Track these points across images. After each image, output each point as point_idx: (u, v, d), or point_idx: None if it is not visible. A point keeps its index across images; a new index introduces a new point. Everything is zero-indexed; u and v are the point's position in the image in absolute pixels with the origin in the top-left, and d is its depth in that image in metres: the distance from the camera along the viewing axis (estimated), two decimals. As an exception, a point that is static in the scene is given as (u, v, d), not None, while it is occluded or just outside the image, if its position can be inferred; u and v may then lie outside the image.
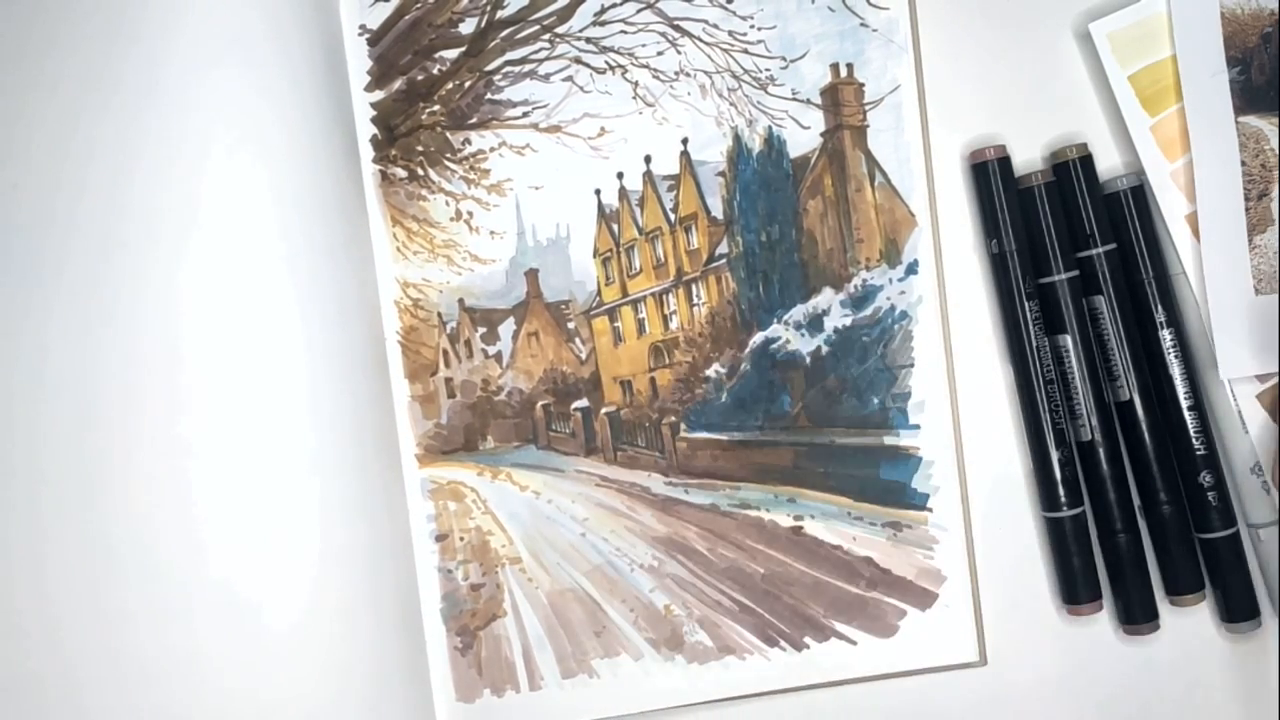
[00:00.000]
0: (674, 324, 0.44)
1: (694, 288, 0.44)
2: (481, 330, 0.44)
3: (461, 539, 0.43)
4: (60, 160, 0.38)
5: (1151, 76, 0.40)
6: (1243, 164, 0.39)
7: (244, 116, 0.39)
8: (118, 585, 0.37)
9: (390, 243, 0.44)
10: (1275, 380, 0.40)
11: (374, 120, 0.44)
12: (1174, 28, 0.40)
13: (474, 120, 0.44)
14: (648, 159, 0.43)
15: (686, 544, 0.43)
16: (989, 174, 0.41)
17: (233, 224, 0.39)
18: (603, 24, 0.43)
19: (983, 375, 0.42)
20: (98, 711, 0.37)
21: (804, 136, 0.42)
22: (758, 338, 0.43)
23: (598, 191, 0.44)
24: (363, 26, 0.44)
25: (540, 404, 0.44)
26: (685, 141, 0.43)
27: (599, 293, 0.44)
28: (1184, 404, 0.40)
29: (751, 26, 0.43)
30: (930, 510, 0.42)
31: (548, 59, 0.43)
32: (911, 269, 0.42)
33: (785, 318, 0.42)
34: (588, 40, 0.43)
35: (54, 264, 0.38)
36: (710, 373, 0.43)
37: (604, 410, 0.44)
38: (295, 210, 0.40)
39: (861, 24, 0.42)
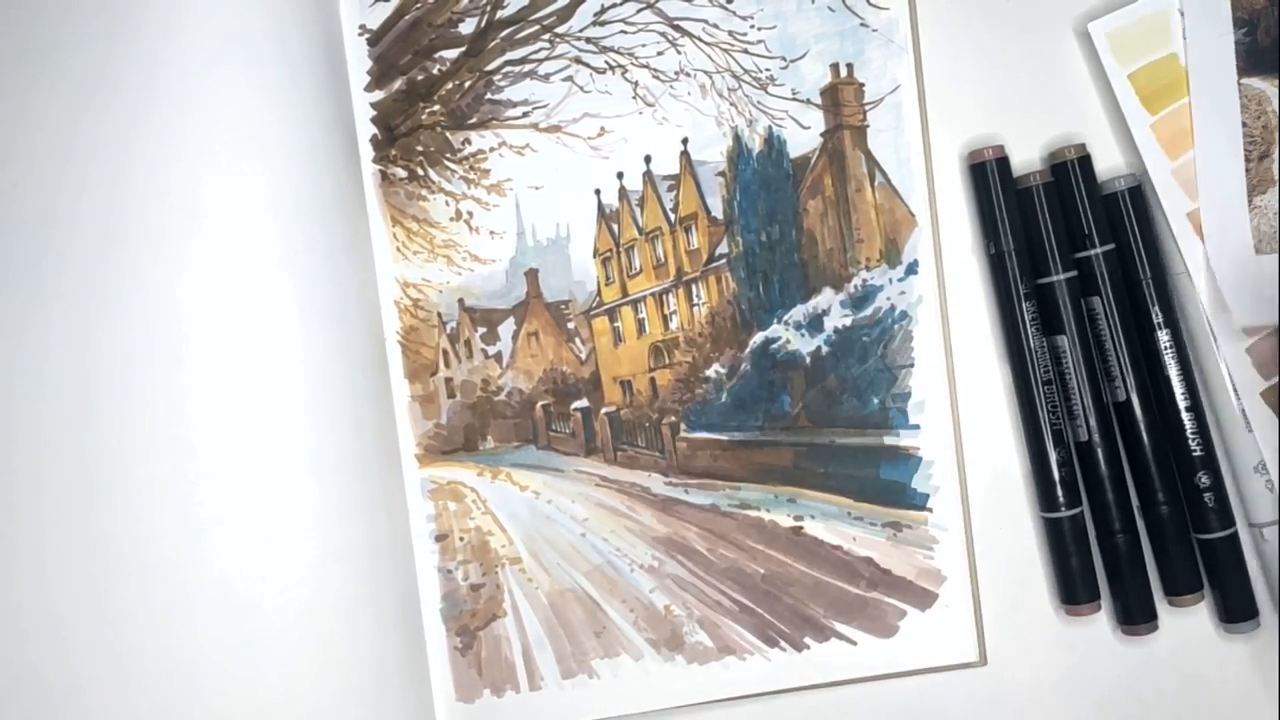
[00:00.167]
0: (674, 324, 0.44)
1: (694, 288, 0.44)
2: (481, 330, 0.44)
3: (461, 539, 0.43)
4: (60, 160, 0.38)
5: (1151, 75, 0.40)
6: (1244, 125, 0.39)
7: (244, 116, 0.39)
8: (118, 585, 0.37)
9: (390, 243, 0.44)
10: (1267, 333, 0.40)
11: (374, 120, 0.44)
12: None
13: (474, 120, 0.44)
14: (648, 159, 0.43)
15: (686, 544, 0.43)
16: (987, 175, 0.41)
17: (233, 224, 0.39)
18: (603, 24, 0.43)
19: (983, 375, 0.42)
20: (98, 711, 0.37)
21: (804, 136, 0.42)
22: (758, 338, 0.43)
23: (598, 191, 0.44)
24: (363, 26, 0.44)
25: (540, 404, 0.44)
26: (685, 141, 0.43)
27: (599, 293, 0.44)
28: (1181, 404, 0.40)
29: (751, 26, 0.43)
30: (930, 510, 0.42)
31: (548, 59, 0.43)
32: (911, 269, 0.42)
33: (785, 318, 0.43)
34: (588, 40, 0.43)
35: (54, 264, 0.38)
36: (710, 373, 0.43)
37: (604, 410, 0.44)
38: (295, 210, 0.40)
39: (861, 24, 0.42)
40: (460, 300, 0.44)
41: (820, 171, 0.42)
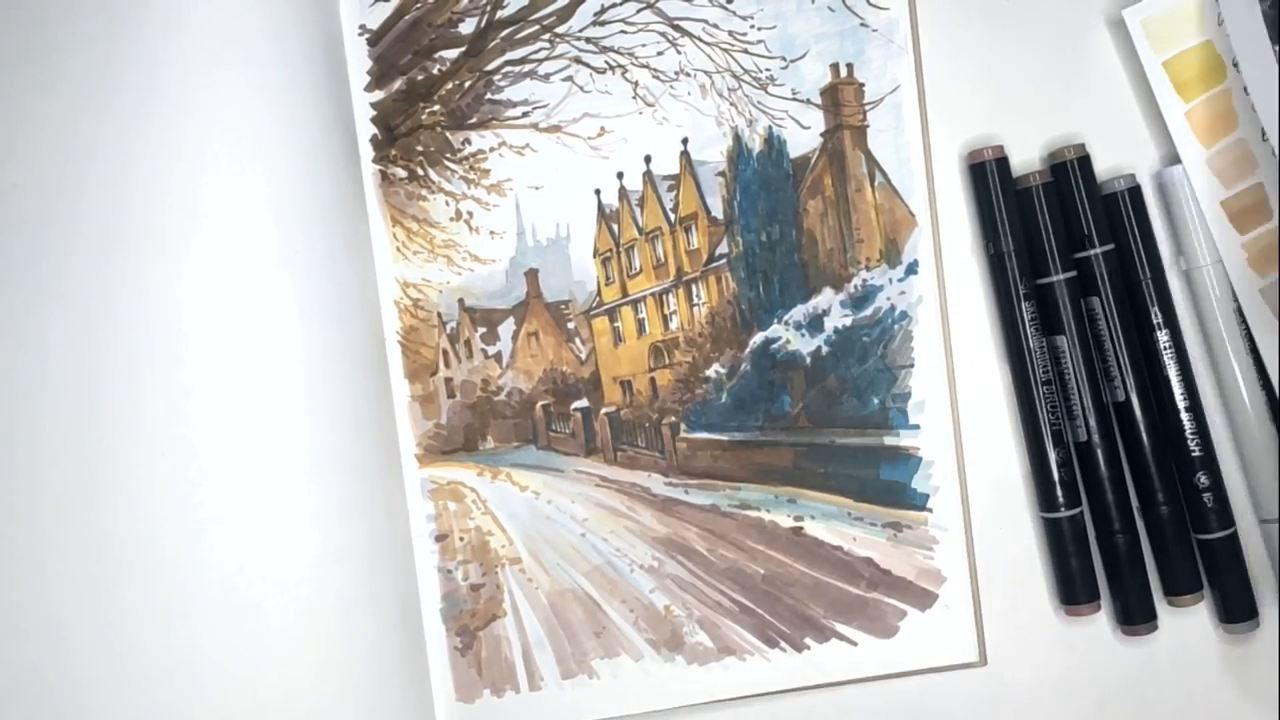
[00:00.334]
0: (674, 324, 0.44)
1: (694, 288, 0.44)
2: (481, 330, 0.44)
3: (461, 539, 0.43)
4: (60, 160, 0.38)
5: (1184, 62, 0.40)
6: None
7: (244, 116, 0.39)
8: (119, 584, 0.37)
9: (390, 243, 0.44)
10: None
11: (374, 120, 0.44)
12: None
13: (474, 120, 0.44)
14: (648, 159, 0.43)
15: (686, 544, 0.43)
16: (987, 174, 0.41)
17: (233, 224, 0.39)
18: (603, 24, 0.43)
19: (982, 375, 0.42)
20: (98, 711, 0.37)
21: (804, 136, 0.42)
22: (758, 338, 0.43)
23: (598, 191, 0.44)
24: (363, 26, 0.44)
25: (540, 404, 0.44)
26: (685, 141, 0.43)
27: (599, 293, 0.44)
28: (1181, 405, 0.40)
29: (751, 26, 0.43)
30: (930, 510, 0.42)
31: (548, 59, 0.43)
32: (911, 269, 0.42)
33: (785, 318, 0.43)
34: (588, 40, 0.43)
35: (54, 264, 0.38)
36: (710, 373, 0.43)
37: (604, 410, 0.44)
38: (295, 210, 0.40)
39: (861, 24, 0.42)
40: (460, 300, 0.44)
41: (820, 171, 0.42)
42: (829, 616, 0.42)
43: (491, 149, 0.43)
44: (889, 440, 0.42)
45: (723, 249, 0.43)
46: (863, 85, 0.42)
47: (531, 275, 0.44)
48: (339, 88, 0.43)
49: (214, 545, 0.37)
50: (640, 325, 0.44)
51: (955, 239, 0.42)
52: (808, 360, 0.42)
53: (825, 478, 0.42)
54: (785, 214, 0.43)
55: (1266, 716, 0.41)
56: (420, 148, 0.44)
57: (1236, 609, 0.41)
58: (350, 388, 0.41)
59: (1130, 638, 0.42)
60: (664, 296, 0.44)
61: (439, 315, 0.44)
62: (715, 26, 0.43)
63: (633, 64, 0.43)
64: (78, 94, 0.38)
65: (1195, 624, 0.42)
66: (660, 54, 0.43)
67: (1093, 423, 0.41)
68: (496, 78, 0.43)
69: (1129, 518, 0.41)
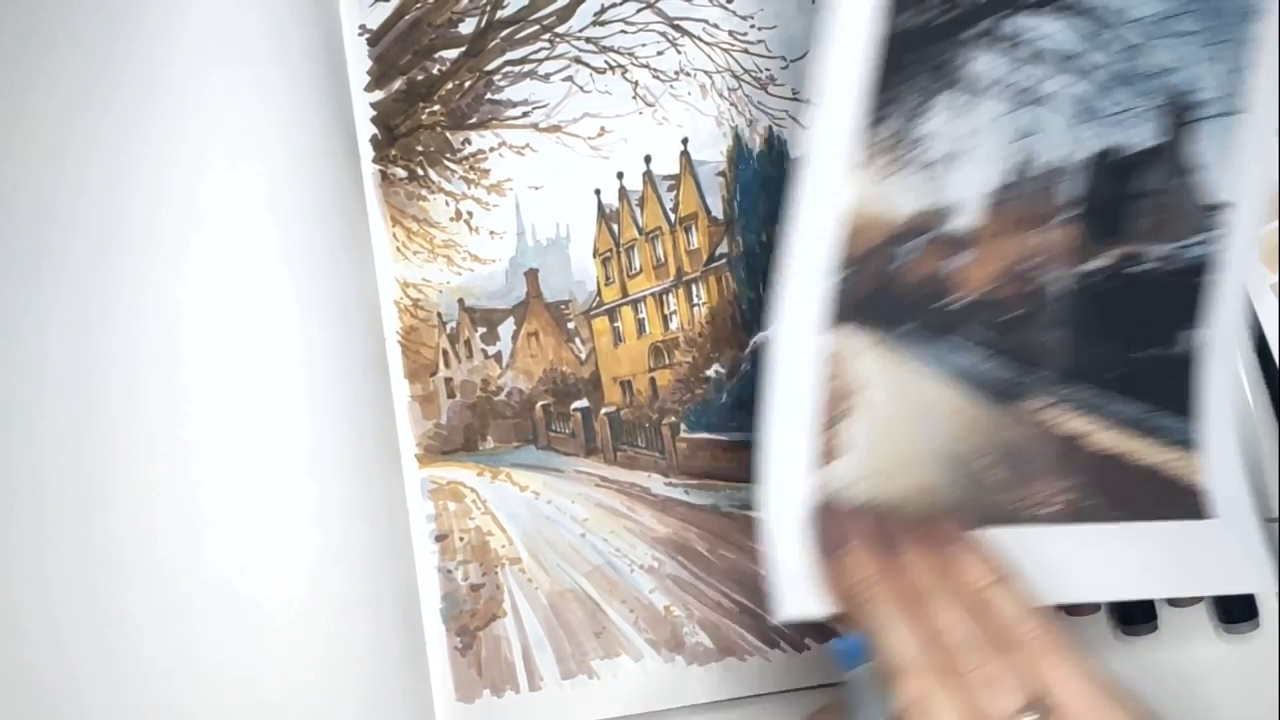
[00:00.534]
0: (674, 324, 0.44)
1: (694, 288, 0.44)
2: (481, 330, 0.44)
3: (461, 539, 0.43)
4: (60, 160, 0.38)
5: None
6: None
7: (244, 116, 0.39)
8: (118, 584, 0.37)
9: (390, 243, 0.44)
10: None
11: (374, 120, 0.44)
12: None
13: (474, 120, 0.44)
14: (648, 159, 0.43)
15: (687, 544, 0.43)
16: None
17: (232, 224, 0.39)
18: (603, 24, 0.43)
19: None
20: (98, 711, 0.37)
21: (804, 136, 0.42)
22: (758, 337, 0.43)
23: (598, 191, 0.44)
24: (363, 26, 0.44)
25: (540, 404, 0.44)
26: (685, 141, 0.43)
27: (599, 293, 0.44)
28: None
29: (752, 26, 0.43)
30: (930, 510, 0.42)
31: (548, 59, 0.43)
32: (911, 269, 0.42)
33: (785, 318, 0.42)
34: (588, 40, 0.43)
35: (54, 264, 0.38)
36: (710, 373, 0.43)
37: (604, 410, 0.44)
38: (295, 210, 0.40)
39: (861, 25, 0.42)
40: (460, 300, 0.44)
41: (820, 171, 0.42)
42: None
43: (491, 149, 0.43)
44: (889, 440, 0.42)
45: (723, 249, 0.43)
46: (863, 85, 0.42)
47: (531, 275, 0.44)
48: (339, 88, 0.43)
49: (214, 545, 0.37)
50: (640, 325, 0.44)
51: (955, 239, 0.42)
52: (808, 360, 0.42)
53: (825, 478, 0.42)
54: (785, 214, 0.42)
55: (1266, 716, 0.41)
56: (420, 148, 0.44)
57: (1236, 609, 0.40)
58: (350, 388, 0.41)
59: (1130, 638, 0.41)
60: (664, 296, 0.44)
61: (439, 315, 0.44)
62: (715, 26, 0.43)
63: (633, 64, 0.43)
64: (77, 94, 0.38)
65: (1195, 624, 0.42)
66: (660, 54, 0.43)
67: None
68: (496, 78, 0.43)
69: (1129, 518, 0.41)
